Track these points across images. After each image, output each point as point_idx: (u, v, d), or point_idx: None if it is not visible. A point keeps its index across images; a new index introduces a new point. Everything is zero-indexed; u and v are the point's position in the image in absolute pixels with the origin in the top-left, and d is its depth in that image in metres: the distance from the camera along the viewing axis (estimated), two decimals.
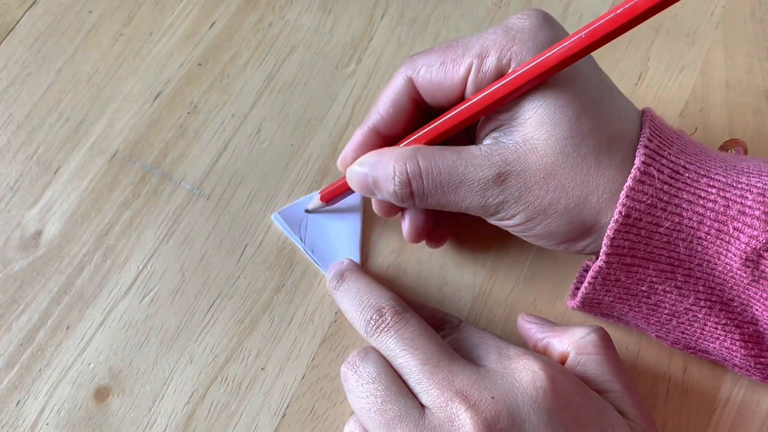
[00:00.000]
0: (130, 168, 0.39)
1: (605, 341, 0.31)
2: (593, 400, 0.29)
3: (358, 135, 0.34)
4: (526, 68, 0.30)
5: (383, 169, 0.32)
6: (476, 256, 0.38)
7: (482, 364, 0.30)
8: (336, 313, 0.37)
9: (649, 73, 0.42)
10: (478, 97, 0.31)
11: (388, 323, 0.31)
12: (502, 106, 0.31)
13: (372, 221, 0.38)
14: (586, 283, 0.33)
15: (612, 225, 0.30)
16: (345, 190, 0.35)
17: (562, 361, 0.31)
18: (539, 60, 0.29)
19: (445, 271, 0.37)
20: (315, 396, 0.35)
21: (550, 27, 0.31)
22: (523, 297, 0.37)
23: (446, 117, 0.32)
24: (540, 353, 0.33)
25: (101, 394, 0.34)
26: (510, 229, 0.33)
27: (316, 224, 0.38)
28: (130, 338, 0.36)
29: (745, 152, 0.39)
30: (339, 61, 0.42)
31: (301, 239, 0.38)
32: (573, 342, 0.31)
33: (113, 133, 0.40)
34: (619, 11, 0.28)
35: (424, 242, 0.37)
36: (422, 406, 0.29)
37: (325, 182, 0.39)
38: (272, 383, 0.35)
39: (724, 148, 0.39)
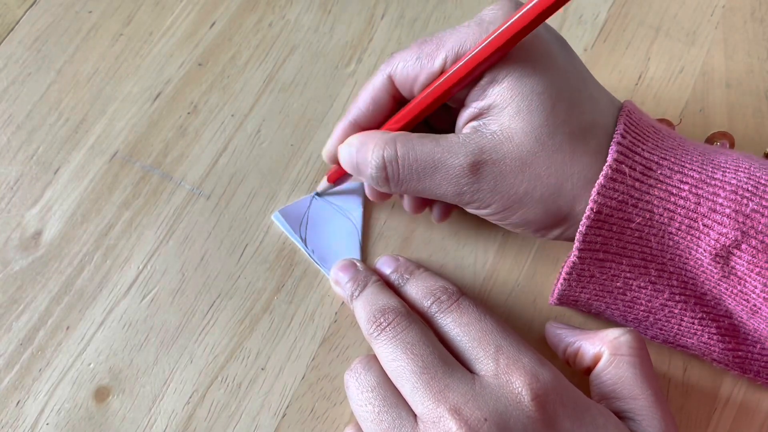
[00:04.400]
0: (130, 168, 0.39)
1: (639, 342, 0.31)
2: (586, 419, 0.29)
3: (339, 129, 0.35)
4: (495, 34, 0.30)
5: (364, 153, 0.33)
6: (476, 256, 0.38)
7: (478, 370, 0.30)
8: (336, 313, 0.37)
9: (649, 73, 0.42)
10: (450, 71, 0.31)
11: (391, 325, 0.31)
12: (473, 76, 0.31)
13: (372, 221, 0.38)
14: (561, 279, 0.33)
15: (584, 221, 0.30)
16: (345, 172, 0.36)
17: (596, 362, 0.32)
18: (506, 25, 0.30)
19: (444, 271, 0.37)
20: (315, 396, 0.35)
21: None
22: (523, 297, 0.37)
23: (423, 94, 0.32)
24: (571, 357, 0.33)
25: (101, 394, 0.34)
26: (487, 218, 0.33)
27: (316, 224, 0.38)
28: (130, 338, 0.36)
29: (732, 145, 0.39)
30: (339, 61, 0.42)
31: (301, 239, 0.38)
32: (607, 342, 0.31)
33: (113, 133, 0.40)
34: None
35: (424, 244, 0.37)
36: (416, 415, 0.30)
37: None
38: (272, 383, 0.35)
39: (710, 140, 0.39)
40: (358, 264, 0.36)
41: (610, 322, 0.36)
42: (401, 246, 0.38)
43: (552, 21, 0.43)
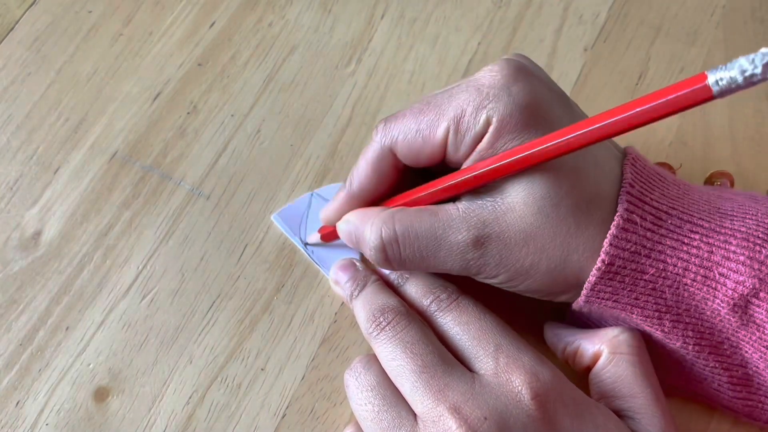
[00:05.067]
0: (129, 168, 0.39)
1: (638, 341, 0.31)
2: (586, 418, 0.29)
3: (341, 198, 0.34)
4: (520, 155, 0.29)
5: (363, 232, 0.32)
6: None
7: (477, 369, 0.30)
8: (336, 313, 0.36)
9: (649, 73, 0.42)
10: (464, 176, 0.30)
11: (390, 324, 0.31)
12: (489, 181, 0.30)
13: None
14: (570, 314, 0.33)
15: (593, 272, 0.30)
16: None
17: (595, 361, 0.31)
18: (535, 149, 0.28)
19: None
20: (315, 396, 0.35)
21: (524, 78, 0.30)
22: (523, 297, 0.37)
23: (430, 190, 0.31)
24: (570, 357, 0.33)
25: (101, 395, 0.34)
26: (494, 285, 0.32)
27: (316, 225, 0.38)
28: (130, 338, 0.36)
29: (732, 184, 0.38)
30: (339, 61, 0.42)
31: (300, 240, 0.38)
32: (606, 341, 0.31)
33: (113, 133, 0.40)
34: (638, 109, 0.26)
35: None
36: (416, 414, 0.30)
37: (324, 182, 0.39)
38: (272, 384, 0.35)
39: (709, 180, 0.39)
40: (357, 263, 0.36)
41: None
42: None
43: (552, 21, 0.43)
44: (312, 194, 0.38)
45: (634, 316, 0.31)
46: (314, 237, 0.37)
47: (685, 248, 0.29)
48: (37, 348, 0.35)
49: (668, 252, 0.30)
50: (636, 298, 0.30)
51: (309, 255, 0.37)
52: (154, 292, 0.37)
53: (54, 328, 0.36)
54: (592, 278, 0.30)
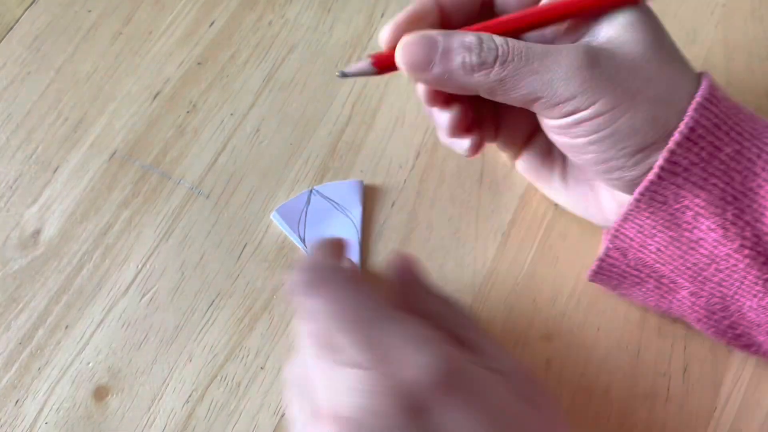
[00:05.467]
0: (129, 167, 0.39)
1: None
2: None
3: (418, 5, 0.31)
4: None
5: (461, 38, 0.29)
6: (476, 256, 0.38)
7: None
8: None
9: None
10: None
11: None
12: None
13: (371, 220, 0.38)
14: (632, 200, 0.31)
15: (675, 136, 0.30)
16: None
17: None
18: None
19: (444, 270, 0.37)
20: None
21: None
22: (523, 297, 0.37)
23: (525, 13, 0.31)
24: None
25: (100, 393, 0.34)
26: (578, 128, 0.31)
27: (315, 223, 0.38)
28: (129, 337, 0.36)
29: None
30: (339, 60, 0.42)
31: (299, 238, 0.38)
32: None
33: (112, 132, 0.40)
34: None
35: (423, 244, 0.37)
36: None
37: (324, 181, 0.39)
38: (272, 382, 0.35)
39: None
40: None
41: (644, 306, 0.36)
42: (400, 246, 0.38)
43: None
44: (311, 191, 0.38)
45: (699, 200, 0.30)
46: (356, 66, 0.31)
47: (759, 138, 0.30)
48: (36, 347, 0.35)
49: (746, 135, 0.30)
50: (705, 178, 0.30)
51: (308, 254, 0.37)
52: (154, 291, 0.37)
53: (53, 326, 0.36)
54: (672, 144, 0.30)
